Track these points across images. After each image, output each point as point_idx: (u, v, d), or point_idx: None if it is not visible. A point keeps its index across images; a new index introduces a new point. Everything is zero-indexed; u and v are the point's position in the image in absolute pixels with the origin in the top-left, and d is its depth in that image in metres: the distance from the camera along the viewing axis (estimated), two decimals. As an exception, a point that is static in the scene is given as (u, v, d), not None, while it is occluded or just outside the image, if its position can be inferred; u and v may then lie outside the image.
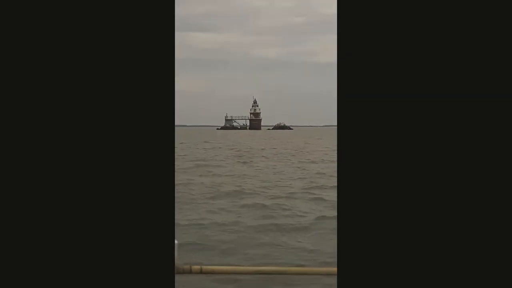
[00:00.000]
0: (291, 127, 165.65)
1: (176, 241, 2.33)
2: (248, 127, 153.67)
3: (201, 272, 2.52)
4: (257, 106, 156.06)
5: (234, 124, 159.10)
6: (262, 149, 42.37)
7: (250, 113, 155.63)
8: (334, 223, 10.65)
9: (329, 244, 9.00)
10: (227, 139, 70.33)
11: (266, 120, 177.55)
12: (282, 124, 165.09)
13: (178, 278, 2.25)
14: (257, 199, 13.89)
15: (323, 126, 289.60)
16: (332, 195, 14.67)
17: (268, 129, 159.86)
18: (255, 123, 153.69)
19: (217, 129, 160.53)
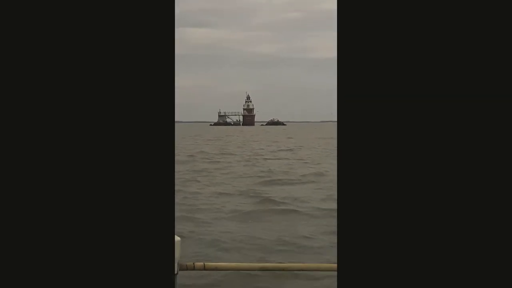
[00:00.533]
0: (285, 123, 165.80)
1: (178, 238, 2.43)
2: (241, 123, 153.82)
3: (204, 268, 2.58)
4: (250, 102, 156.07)
5: (228, 120, 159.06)
6: (239, 147, 42.66)
7: (244, 109, 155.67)
8: (238, 217, 11.06)
9: (220, 236, 9.47)
10: (212, 135, 70.67)
11: (261, 116, 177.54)
12: (275, 120, 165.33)
13: (181, 274, 2.42)
14: (187, 197, 14.25)
15: (320, 122, 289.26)
16: (268, 190, 15.11)
17: (262, 125, 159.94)
18: (248, 119, 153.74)
19: (210, 125, 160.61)
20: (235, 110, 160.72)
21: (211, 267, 2.63)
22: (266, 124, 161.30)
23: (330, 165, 23.03)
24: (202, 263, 2.58)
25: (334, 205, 12.65)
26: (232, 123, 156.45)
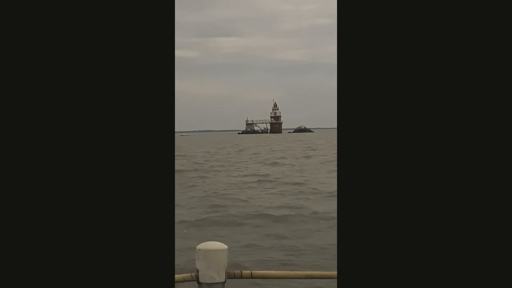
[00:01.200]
0: (312, 130, 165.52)
1: (225, 246, 2.59)
2: (269, 131, 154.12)
3: (251, 277, 2.63)
4: (277, 109, 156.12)
5: (255, 128, 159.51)
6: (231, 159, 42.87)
7: (271, 117, 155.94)
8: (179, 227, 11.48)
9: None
10: (228, 144, 71.15)
11: (289, 123, 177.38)
12: (303, 127, 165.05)
13: (229, 282, 2.53)
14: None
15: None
16: (232, 197, 15.54)
17: (289, 132, 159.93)
18: (275, 126, 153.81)
19: (238, 133, 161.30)
20: (263, 118, 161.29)
21: (258, 276, 2.66)
22: (293, 131, 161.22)
23: (314, 174, 23.28)
24: (249, 272, 2.62)
25: (279, 212, 13.02)
26: (260, 131, 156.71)
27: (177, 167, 27.35)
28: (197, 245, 2.53)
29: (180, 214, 13.28)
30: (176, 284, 2.50)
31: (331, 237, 9.85)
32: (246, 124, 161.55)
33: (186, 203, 14.99)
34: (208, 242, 2.61)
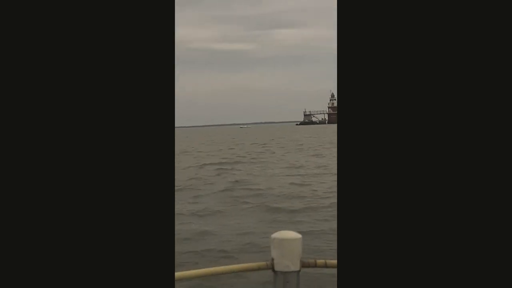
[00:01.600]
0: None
1: (299, 236, 2.55)
2: (326, 121, 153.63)
3: (325, 266, 2.58)
4: (335, 100, 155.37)
5: (313, 119, 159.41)
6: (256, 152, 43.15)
7: (328, 107, 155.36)
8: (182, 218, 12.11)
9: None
10: (280, 135, 71.05)
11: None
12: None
13: (303, 271, 2.51)
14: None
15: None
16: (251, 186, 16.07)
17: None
18: (333, 117, 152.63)
19: (296, 124, 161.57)
20: (322, 108, 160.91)
21: (333, 265, 2.59)
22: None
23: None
24: (323, 261, 2.59)
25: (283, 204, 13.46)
26: (318, 121, 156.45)
27: (217, 160, 28.47)
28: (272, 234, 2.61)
29: (189, 206, 13.94)
30: (251, 273, 2.68)
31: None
32: (304, 115, 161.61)
33: (204, 194, 15.69)
34: (283, 231, 2.62)
